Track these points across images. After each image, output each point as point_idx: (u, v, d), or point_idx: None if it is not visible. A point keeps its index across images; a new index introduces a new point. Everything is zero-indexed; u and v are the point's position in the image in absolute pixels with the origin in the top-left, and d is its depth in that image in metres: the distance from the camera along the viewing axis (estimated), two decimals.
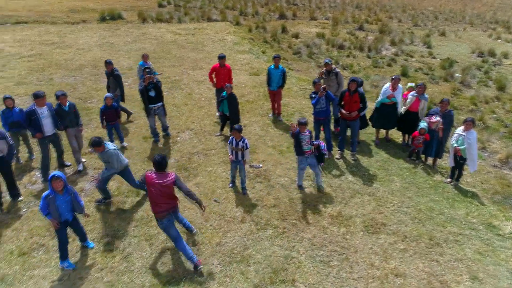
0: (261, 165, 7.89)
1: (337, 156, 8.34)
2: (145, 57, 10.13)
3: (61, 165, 7.59)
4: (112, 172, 6.31)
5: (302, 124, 6.71)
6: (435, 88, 12.95)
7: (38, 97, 6.73)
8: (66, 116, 7.13)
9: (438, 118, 7.82)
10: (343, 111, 7.96)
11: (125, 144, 8.43)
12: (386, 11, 30.26)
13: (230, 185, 7.23)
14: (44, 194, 5.01)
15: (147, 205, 6.62)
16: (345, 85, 8.98)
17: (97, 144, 5.99)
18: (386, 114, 8.64)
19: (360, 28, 22.13)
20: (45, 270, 5.30)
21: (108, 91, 9.17)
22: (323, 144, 6.99)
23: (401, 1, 38.43)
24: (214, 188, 7.16)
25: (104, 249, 5.70)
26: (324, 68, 9.01)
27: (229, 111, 8.53)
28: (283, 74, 9.53)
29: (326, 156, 7.32)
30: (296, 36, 18.76)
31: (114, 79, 9.06)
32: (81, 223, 5.61)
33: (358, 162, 8.16)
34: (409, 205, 6.90)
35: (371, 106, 9.62)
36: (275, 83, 9.55)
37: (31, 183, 7.12)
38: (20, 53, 13.94)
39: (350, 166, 8.04)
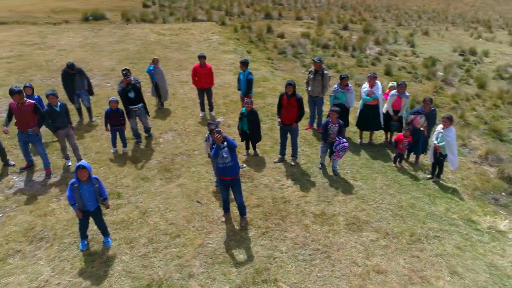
0: (244, 165, 7.86)
1: (276, 160, 8.02)
2: (155, 62, 9.74)
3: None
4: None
5: None
6: (418, 87, 13.09)
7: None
8: (57, 117, 7.00)
9: (422, 118, 7.81)
10: (279, 119, 7.65)
11: (126, 149, 8.25)
12: (370, 11, 30.55)
13: (216, 184, 7.18)
14: (71, 181, 5.22)
15: (128, 208, 6.53)
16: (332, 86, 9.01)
17: None
18: (370, 116, 8.58)
19: (345, 28, 22.30)
20: (21, 277, 5.17)
21: (68, 91, 8.86)
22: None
23: (385, 1, 38.81)
24: (197, 189, 7.10)
25: (84, 253, 5.59)
26: (313, 67, 8.94)
27: (249, 129, 7.77)
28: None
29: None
30: (281, 36, 18.80)
31: (80, 75, 8.87)
32: (103, 217, 5.66)
33: (342, 160, 8.20)
34: (391, 202, 6.95)
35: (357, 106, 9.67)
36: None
37: (8, 187, 6.95)
38: None
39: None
